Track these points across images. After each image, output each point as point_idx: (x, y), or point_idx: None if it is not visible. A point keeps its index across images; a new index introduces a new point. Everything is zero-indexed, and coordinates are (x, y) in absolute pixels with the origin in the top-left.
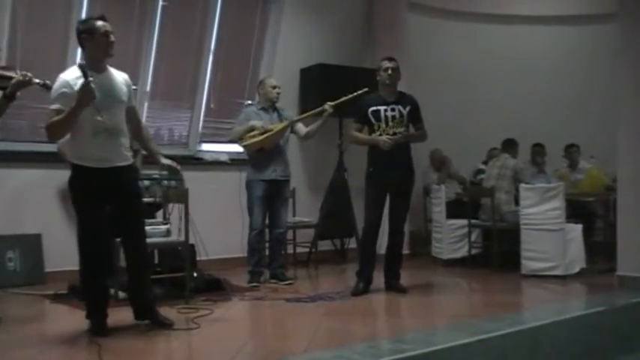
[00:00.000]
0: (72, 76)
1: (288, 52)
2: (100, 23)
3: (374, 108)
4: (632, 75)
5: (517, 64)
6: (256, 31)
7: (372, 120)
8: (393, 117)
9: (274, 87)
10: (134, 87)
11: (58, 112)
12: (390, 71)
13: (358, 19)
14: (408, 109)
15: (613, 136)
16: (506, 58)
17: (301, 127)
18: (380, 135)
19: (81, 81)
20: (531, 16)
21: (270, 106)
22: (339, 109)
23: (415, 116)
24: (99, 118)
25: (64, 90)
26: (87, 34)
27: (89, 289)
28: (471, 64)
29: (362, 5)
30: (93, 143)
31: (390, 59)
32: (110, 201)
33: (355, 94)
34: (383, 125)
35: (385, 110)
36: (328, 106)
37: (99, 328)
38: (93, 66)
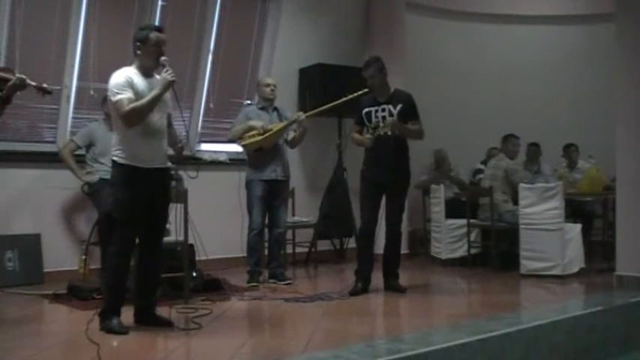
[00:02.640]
0: (129, 72)
1: (286, 51)
2: (153, 34)
3: (366, 109)
4: (629, 74)
5: (515, 63)
6: (255, 31)
7: (366, 121)
8: (384, 117)
9: (267, 85)
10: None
11: (130, 100)
12: (369, 80)
13: (356, 19)
14: (399, 107)
15: (612, 136)
16: (505, 58)
17: (290, 133)
18: (373, 135)
19: (136, 78)
20: (529, 15)
21: (269, 105)
22: (339, 110)
23: (409, 114)
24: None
25: (129, 81)
26: (140, 43)
27: (118, 288)
28: (468, 64)
29: (360, 5)
30: (143, 144)
31: (366, 67)
32: (148, 200)
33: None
34: (374, 126)
35: (376, 111)
36: (297, 115)
37: (121, 327)
38: (143, 72)
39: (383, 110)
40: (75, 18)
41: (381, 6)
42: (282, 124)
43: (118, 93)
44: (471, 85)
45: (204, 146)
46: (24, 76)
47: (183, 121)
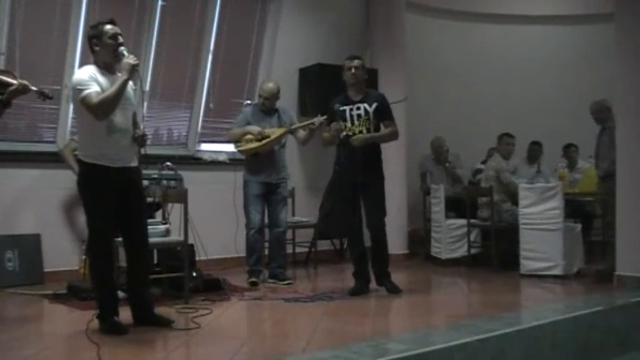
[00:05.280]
0: (90, 69)
1: (286, 51)
2: (107, 27)
3: (341, 108)
4: (629, 74)
5: (515, 63)
6: (255, 31)
7: (340, 121)
8: (359, 115)
9: (260, 95)
10: (145, 89)
11: (98, 93)
12: (353, 70)
13: (356, 19)
14: (374, 106)
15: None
16: (505, 58)
17: (301, 133)
18: (347, 135)
19: (99, 76)
20: (529, 15)
21: (268, 108)
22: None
23: (383, 114)
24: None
25: (92, 77)
26: (96, 39)
27: (104, 289)
28: (468, 64)
29: (360, 5)
30: (108, 143)
31: (354, 58)
32: (118, 200)
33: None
34: (349, 125)
35: (351, 110)
36: (318, 119)
37: (119, 327)
38: (104, 69)
39: (358, 109)
40: (75, 18)
41: (381, 6)
42: (280, 132)
43: (84, 88)
44: (471, 85)
45: (204, 146)
46: (26, 82)
47: (143, 112)
